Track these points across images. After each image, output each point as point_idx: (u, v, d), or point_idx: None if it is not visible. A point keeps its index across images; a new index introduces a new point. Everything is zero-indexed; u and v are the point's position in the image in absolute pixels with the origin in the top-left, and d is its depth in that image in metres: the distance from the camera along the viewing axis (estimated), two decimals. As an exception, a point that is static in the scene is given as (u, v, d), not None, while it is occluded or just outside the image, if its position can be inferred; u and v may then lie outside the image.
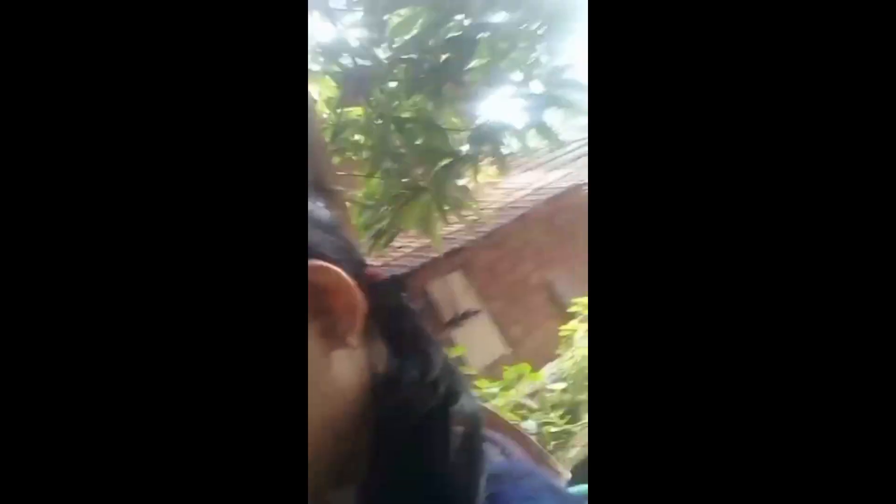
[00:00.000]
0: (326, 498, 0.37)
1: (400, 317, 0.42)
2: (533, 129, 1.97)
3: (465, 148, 2.00)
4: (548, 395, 3.13)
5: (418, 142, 1.96)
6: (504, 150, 2.00)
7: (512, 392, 2.99)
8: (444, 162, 1.91)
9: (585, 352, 3.21)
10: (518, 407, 2.91)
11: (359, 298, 0.38)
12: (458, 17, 1.82)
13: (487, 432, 0.39)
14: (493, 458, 0.39)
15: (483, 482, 0.36)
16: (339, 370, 0.38)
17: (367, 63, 1.80)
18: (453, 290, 5.58)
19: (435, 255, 4.58)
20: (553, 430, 2.82)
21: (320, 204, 0.42)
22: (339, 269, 0.38)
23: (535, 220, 6.19)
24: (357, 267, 0.40)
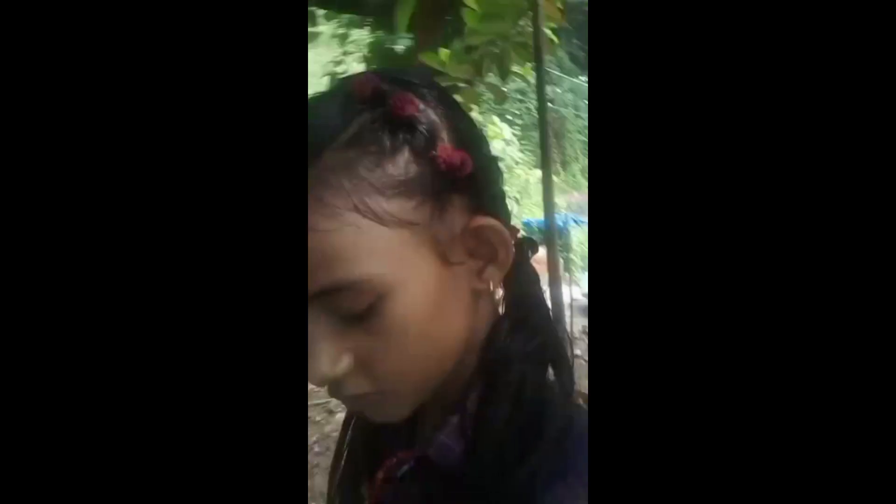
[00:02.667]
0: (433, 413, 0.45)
1: (524, 277, 0.47)
2: None
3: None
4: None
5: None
6: None
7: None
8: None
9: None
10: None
11: (511, 255, 0.44)
12: None
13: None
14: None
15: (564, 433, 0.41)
16: (476, 308, 0.44)
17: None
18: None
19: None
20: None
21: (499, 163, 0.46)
22: (505, 229, 0.43)
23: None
24: (511, 227, 0.45)
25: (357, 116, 0.38)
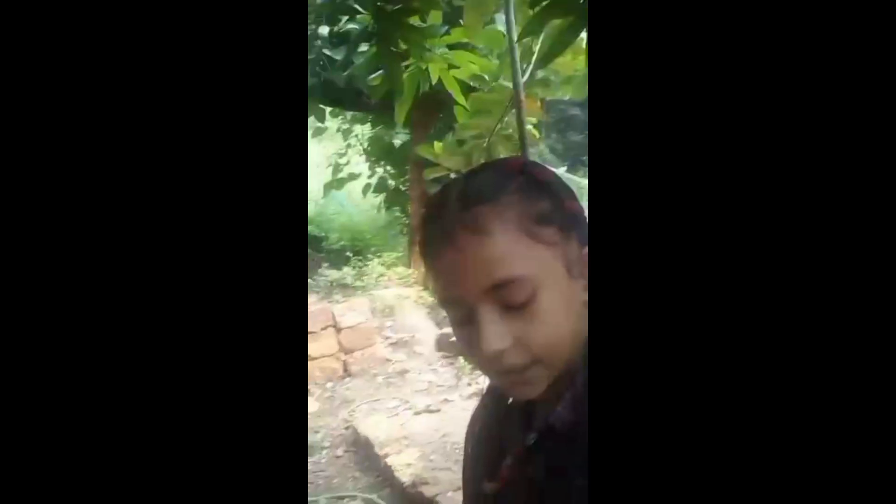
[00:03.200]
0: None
1: None
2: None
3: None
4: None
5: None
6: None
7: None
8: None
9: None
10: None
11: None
12: None
13: None
14: None
15: None
16: (584, 315, 0.58)
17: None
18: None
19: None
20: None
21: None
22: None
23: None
24: None
25: (515, 178, 0.59)
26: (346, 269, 5.36)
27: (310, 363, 4.29)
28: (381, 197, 6.62)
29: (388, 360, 4.61)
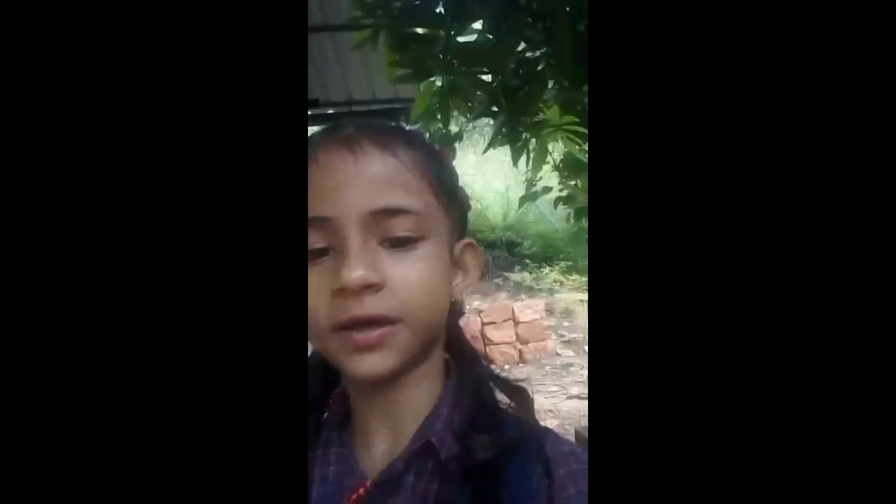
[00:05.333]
0: None
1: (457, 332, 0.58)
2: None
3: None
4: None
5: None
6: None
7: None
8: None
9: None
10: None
11: (478, 277, 0.57)
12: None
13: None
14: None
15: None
16: (449, 314, 0.54)
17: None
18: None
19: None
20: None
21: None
22: (481, 252, 0.57)
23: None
24: None
25: (424, 141, 0.55)
26: (525, 274, 6.20)
27: (491, 347, 5.21)
28: (571, 209, 7.28)
29: (557, 354, 5.34)
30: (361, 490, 0.50)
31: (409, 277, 0.48)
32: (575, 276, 6.29)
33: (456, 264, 0.54)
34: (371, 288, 0.46)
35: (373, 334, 0.47)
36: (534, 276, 6.26)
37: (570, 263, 6.60)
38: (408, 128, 0.59)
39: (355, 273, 0.45)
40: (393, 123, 0.58)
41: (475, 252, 0.56)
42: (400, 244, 0.48)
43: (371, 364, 0.48)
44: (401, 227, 0.48)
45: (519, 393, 0.55)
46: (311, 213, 0.47)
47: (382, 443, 0.52)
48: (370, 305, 0.46)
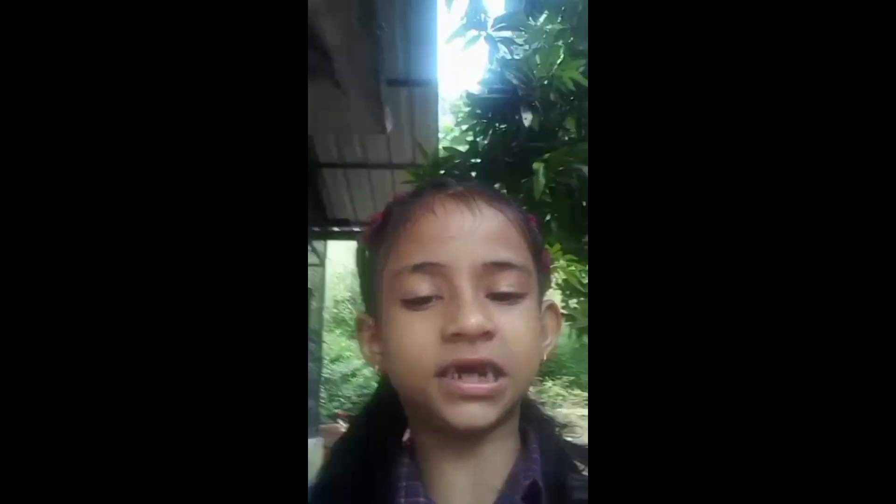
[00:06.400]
0: None
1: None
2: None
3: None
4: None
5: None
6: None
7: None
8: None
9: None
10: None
11: (557, 337, 0.58)
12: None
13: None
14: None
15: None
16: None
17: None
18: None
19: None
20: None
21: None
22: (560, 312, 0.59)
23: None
24: None
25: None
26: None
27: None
28: (573, 326, 7.62)
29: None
30: None
31: (516, 330, 0.49)
32: (577, 392, 6.51)
33: (545, 330, 0.55)
34: (485, 335, 0.47)
35: (483, 387, 0.47)
36: (537, 389, 6.47)
37: (572, 378, 6.85)
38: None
39: (473, 318, 0.46)
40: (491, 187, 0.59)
41: (556, 314, 0.57)
42: (505, 298, 0.49)
43: (473, 414, 0.47)
44: (507, 282, 0.49)
45: (584, 452, 0.55)
46: (423, 259, 0.49)
47: (464, 495, 0.51)
48: (483, 350, 0.47)
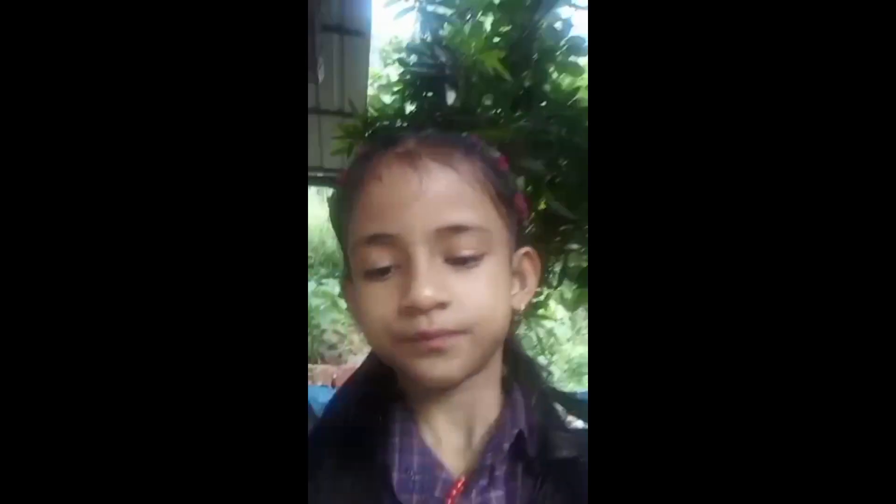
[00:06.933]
0: None
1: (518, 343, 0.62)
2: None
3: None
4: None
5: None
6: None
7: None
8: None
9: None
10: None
11: (536, 285, 0.59)
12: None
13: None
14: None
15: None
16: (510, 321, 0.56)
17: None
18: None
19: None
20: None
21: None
22: (538, 258, 0.58)
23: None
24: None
25: (479, 149, 0.56)
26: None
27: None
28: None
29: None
30: (460, 484, 0.52)
31: (474, 295, 0.49)
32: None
33: (514, 273, 0.55)
34: (440, 306, 0.48)
35: (443, 343, 0.49)
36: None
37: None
38: (465, 136, 0.57)
39: (425, 292, 0.47)
40: (452, 134, 0.55)
41: (533, 260, 0.57)
42: (463, 262, 0.49)
43: (439, 367, 0.49)
44: (465, 245, 0.49)
45: (576, 405, 0.56)
46: (374, 231, 0.49)
47: (455, 442, 0.54)
48: (438, 321, 0.48)
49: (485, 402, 0.57)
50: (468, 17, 2.45)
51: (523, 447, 0.53)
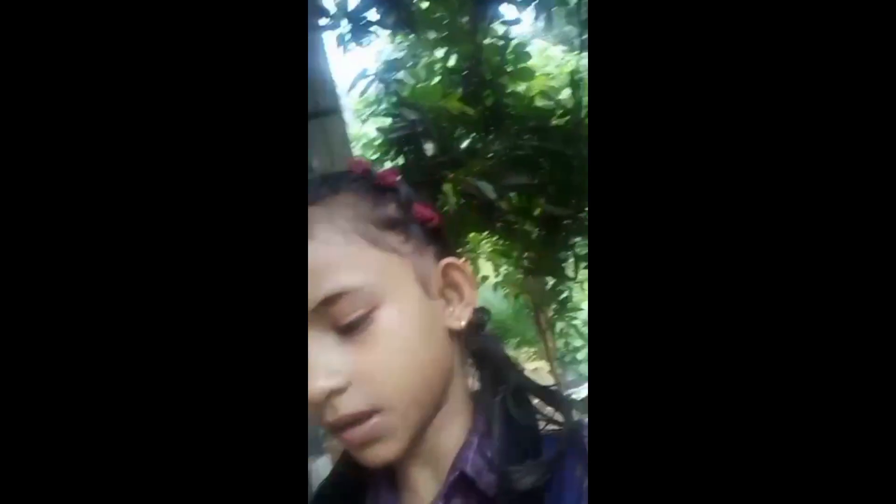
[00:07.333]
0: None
1: (485, 338, 0.53)
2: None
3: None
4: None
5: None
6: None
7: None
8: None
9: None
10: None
11: (475, 292, 0.51)
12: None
13: None
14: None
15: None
16: (452, 348, 0.50)
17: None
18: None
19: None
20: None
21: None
22: (468, 267, 0.51)
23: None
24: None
25: (355, 179, 0.50)
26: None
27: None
28: (509, 291, 8.20)
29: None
30: None
31: (372, 366, 0.44)
32: (526, 349, 7.08)
33: (441, 293, 0.50)
34: (336, 392, 0.44)
35: (360, 432, 0.44)
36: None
37: (518, 339, 7.42)
38: (336, 177, 0.51)
39: (314, 386, 0.43)
40: (321, 184, 0.49)
41: (460, 268, 0.51)
42: (351, 329, 0.44)
43: (375, 455, 0.46)
44: (345, 311, 0.44)
45: (553, 395, 0.53)
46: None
47: (426, 490, 0.50)
48: (343, 408, 0.44)
49: (456, 434, 0.50)
50: (421, 55, 2.76)
51: (472, 482, 0.47)
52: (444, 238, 0.53)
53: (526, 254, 3.18)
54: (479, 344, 0.52)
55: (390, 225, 0.48)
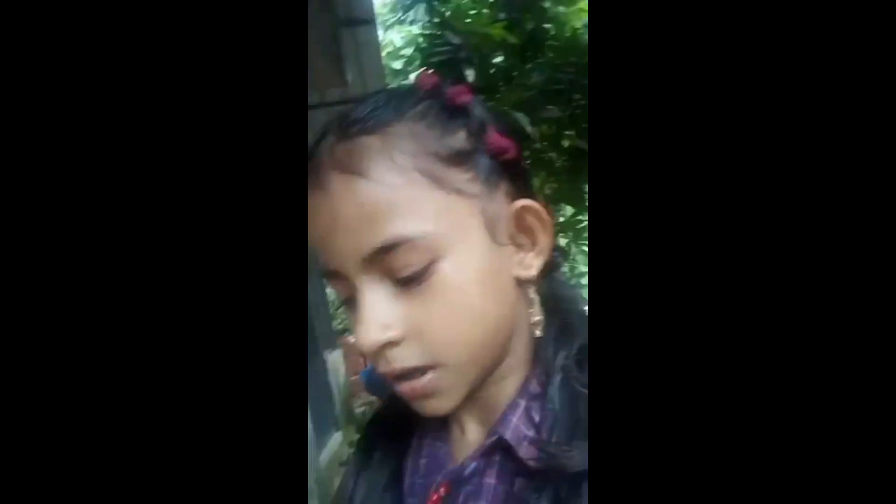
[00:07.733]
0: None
1: (558, 282, 0.49)
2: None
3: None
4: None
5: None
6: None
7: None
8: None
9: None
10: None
11: (551, 241, 0.46)
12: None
13: None
14: None
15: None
16: (518, 298, 0.46)
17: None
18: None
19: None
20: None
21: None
22: (545, 211, 0.45)
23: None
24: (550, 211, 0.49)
25: (421, 101, 0.43)
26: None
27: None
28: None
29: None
30: (442, 489, 0.46)
31: (430, 321, 0.41)
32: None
33: (512, 238, 0.44)
34: (390, 345, 0.41)
35: (414, 386, 0.42)
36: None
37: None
38: (393, 94, 0.44)
39: (366, 339, 0.40)
40: (362, 112, 0.42)
41: (535, 212, 0.45)
42: (409, 281, 0.40)
43: (429, 408, 0.43)
44: (402, 263, 0.40)
45: None
46: (322, 267, 0.43)
47: (474, 436, 0.48)
48: (397, 360, 0.42)
49: (508, 390, 0.47)
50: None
51: (511, 449, 0.44)
52: (519, 173, 0.46)
53: (549, 182, 3.28)
54: (553, 290, 0.48)
55: (457, 159, 0.42)
